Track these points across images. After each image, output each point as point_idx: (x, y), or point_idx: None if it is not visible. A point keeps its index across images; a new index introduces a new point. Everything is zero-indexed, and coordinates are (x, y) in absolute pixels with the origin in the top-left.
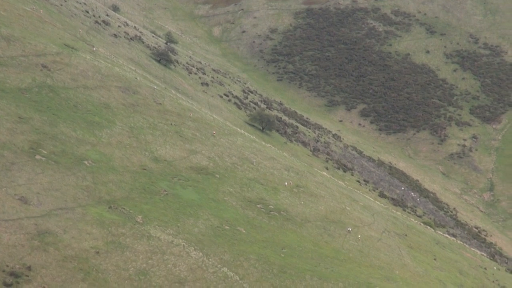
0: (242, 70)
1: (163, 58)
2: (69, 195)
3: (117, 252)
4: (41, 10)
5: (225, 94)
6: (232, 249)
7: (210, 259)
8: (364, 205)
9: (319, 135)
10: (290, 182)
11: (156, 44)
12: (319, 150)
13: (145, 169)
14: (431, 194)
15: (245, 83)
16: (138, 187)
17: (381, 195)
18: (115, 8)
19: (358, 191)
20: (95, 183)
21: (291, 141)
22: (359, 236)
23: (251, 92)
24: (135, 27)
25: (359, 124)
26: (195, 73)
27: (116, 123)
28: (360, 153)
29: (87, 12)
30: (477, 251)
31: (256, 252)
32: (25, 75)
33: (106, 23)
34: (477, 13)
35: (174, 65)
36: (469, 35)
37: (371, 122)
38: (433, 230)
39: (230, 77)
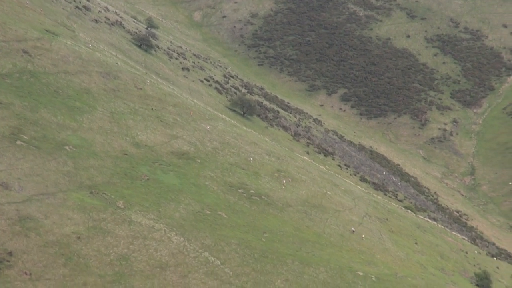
0: (223, 55)
1: (144, 43)
2: (50, 180)
3: (98, 237)
4: None
5: (206, 79)
6: (213, 234)
7: (191, 244)
8: (345, 190)
9: (300, 120)
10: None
11: (137, 29)
12: (300, 134)
13: (126, 154)
14: (412, 179)
15: (226, 68)
16: (119, 172)
17: (362, 179)
18: None
19: (339, 176)
20: (76, 168)
21: (272, 125)
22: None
23: (232, 77)
24: (115, 12)
25: (340, 109)
26: (176, 58)
27: (97, 108)
28: (341, 137)
29: None
30: (458, 235)
31: (237, 237)
32: (6, 61)
33: (86, 8)
34: None
35: (155, 50)
36: (450, 19)
37: (352, 107)
38: (414, 214)
39: (211, 62)
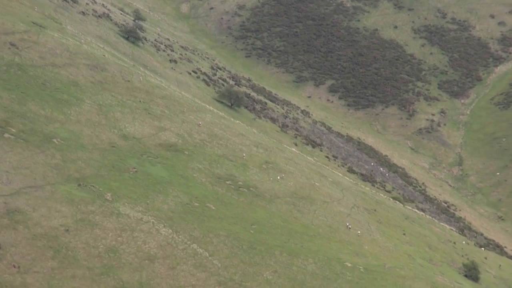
0: (210, 47)
1: (131, 35)
2: (38, 173)
3: (87, 229)
4: None
5: (193, 71)
6: (201, 225)
7: (180, 236)
8: (333, 181)
9: (288, 111)
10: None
11: (124, 21)
12: (287, 126)
13: (114, 147)
14: (400, 169)
15: (214, 60)
16: (107, 165)
17: (350, 170)
18: None
19: (327, 167)
20: (64, 161)
21: (259, 117)
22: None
23: (220, 69)
24: (103, 4)
25: (328, 100)
26: (163, 50)
27: (85, 100)
28: (329, 128)
29: None
30: (446, 225)
31: (225, 229)
32: None
33: (74, 0)
34: None
35: (142, 42)
36: (437, 10)
37: (340, 98)
38: (402, 205)
39: (198, 54)
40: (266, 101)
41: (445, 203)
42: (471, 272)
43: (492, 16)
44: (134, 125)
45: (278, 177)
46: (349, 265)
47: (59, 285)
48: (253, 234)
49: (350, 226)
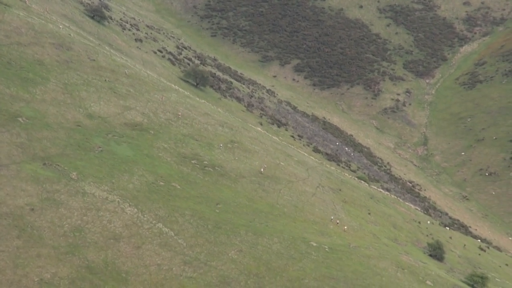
0: (176, 26)
1: (97, 14)
2: (3, 152)
3: (52, 209)
4: None
5: (159, 50)
6: (167, 205)
7: (145, 215)
8: (298, 160)
9: (253, 91)
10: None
11: (90, 0)
12: (253, 105)
13: (79, 126)
14: (365, 149)
15: (179, 39)
16: (72, 144)
17: (315, 150)
18: None
19: (292, 146)
20: (29, 140)
21: (225, 96)
22: (345, 227)
23: (185, 48)
24: None
25: (293, 79)
26: (129, 29)
27: (50, 79)
28: (294, 108)
29: None
30: (411, 205)
31: (191, 208)
32: None
33: None
34: None
35: (108, 22)
36: None
37: (305, 77)
38: (367, 184)
39: (164, 33)
40: (232, 80)
41: (410, 182)
42: (436, 252)
43: None
44: (99, 104)
45: (262, 169)
46: (314, 244)
47: (25, 264)
48: (219, 214)
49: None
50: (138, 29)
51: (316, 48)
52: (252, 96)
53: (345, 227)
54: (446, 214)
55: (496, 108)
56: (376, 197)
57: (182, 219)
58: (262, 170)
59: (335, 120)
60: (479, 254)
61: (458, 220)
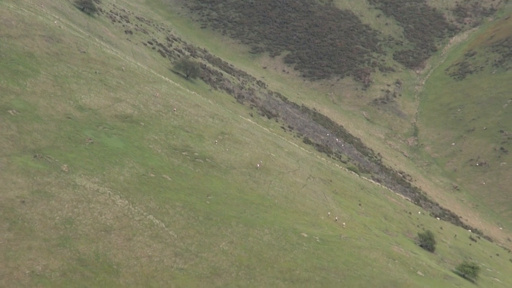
0: (166, 18)
1: (87, 6)
2: None
3: (43, 201)
4: None
5: (149, 42)
6: (157, 196)
7: (136, 207)
8: (289, 152)
9: (244, 82)
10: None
11: None
12: (243, 97)
13: (70, 118)
14: (356, 140)
15: (169, 31)
16: (63, 136)
17: (306, 141)
18: None
19: (282, 138)
20: (20, 132)
21: (215, 88)
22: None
23: (175, 40)
24: None
25: (283, 71)
26: (119, 21)
27: (40, 72)
28: (285, 99)
29: None
30: (401, 196)
31: (181, 200)
32: None
33: None
34: None
35: (98, 14)
36: None
37: (295, 69)
38: (358, 175)
39: (154, 25)
40: (222, 72)
41: (401, 173)
42: (427, 242)
43: None
44: (90, 96)
45: (258, 165)
46: (305, 235)
47: (16, 257)
48: (209, 205)
49: (337, 219)
50: (128, 21)
51: (306, 39)
52: (242, 88)
53: (336, 218)
54: (437, 204)
55: (486, 99)
56: (367, 188)
57: (173, 211)
58: (258, 166)
59: (325, 111)
60: (470, 244)
61: (448, 211)
